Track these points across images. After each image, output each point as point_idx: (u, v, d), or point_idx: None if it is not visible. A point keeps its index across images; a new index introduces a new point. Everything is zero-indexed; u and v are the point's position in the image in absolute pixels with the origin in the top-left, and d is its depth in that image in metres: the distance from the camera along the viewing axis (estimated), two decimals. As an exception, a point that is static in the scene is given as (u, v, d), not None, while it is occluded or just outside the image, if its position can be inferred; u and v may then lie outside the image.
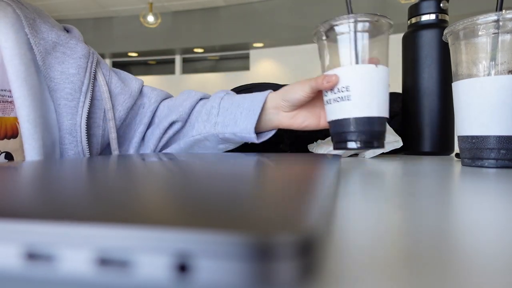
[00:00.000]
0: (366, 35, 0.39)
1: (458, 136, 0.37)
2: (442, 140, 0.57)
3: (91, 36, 4.99)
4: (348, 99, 0.38)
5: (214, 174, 0.19)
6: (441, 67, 0.56)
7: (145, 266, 0.07)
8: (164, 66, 5.29)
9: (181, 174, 0.19)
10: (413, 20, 0.58)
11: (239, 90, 0.63)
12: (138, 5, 4.42)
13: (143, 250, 0.07)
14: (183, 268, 0.07)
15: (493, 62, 0.33)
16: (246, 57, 4.88)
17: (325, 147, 0.54)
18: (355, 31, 0.39)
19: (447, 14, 0.57)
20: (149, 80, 5.27)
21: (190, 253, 0.06)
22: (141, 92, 0.53)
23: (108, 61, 5.37)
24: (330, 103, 0.40)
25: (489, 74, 0.33)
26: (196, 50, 4.96)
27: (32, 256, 0.07)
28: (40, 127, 0.41)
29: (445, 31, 0.37)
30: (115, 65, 5.41)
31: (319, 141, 0.57)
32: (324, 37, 0.41)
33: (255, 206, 0.09)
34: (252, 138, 0.47)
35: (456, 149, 0.48)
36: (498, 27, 0.32)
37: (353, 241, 0.11)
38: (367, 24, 0.39)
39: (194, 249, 0.06)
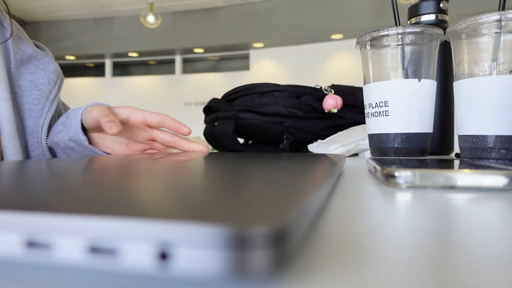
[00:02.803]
0: (409, 48, 0.38)
1: (459, 136, 0.37)
2: (442, 140, 0.56)
3: (91, 36, 4.98)
4: (386, 115, 0.38)
5: (200, 171, 0.20)
6: (441, 67, 0.56)
7: (130, 254, 0.07)
8: (164, 66, 5.29)
9: (168, 171, 0.20)
10: (413, 20, 0.58)
11: (239, 90, 0.63)
12: (138, 5, 4.42)
13: (128, 240, 0.07)
14: (164, 256, 0.07)
15: (495, 62, 0.33)
16: (246, 57, 4.87)
17: (325, 147, 0.54)
18: (398, 44, 0.38)
19: (447, 14, 0.57)
20: (149, 80, 5.27)
21: (170, 242, 0.07)
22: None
23: (108, 61, 5.37)
24: (369, 116, 0.40)
25: (490, 74, 0.33)
26: (196, 50, 4.96)
27: (31, 244, 0.08)
28: (19, 128, 0.46)
29: (447, 30, 0.37)
30: (116, 65, 5.41)
31: (319, 141, 0.57)
32: (368, 47, 0.41)
33: (233, 200, 0.10)
34: (82, 139, 0.45)
35: (456, 149, 0.47)
36: (500, 27, 0.32)
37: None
38: (411, 36, 0.38)
39: (173, 239, 0.07)
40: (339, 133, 0.55)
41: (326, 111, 0.59)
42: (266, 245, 0.07)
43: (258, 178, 0.17)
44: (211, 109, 0.67)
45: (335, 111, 0.59)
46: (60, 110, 0.56)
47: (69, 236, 0.08)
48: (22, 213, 0.08)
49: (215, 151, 0.71)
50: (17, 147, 0.45)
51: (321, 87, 0.62)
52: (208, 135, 0.66)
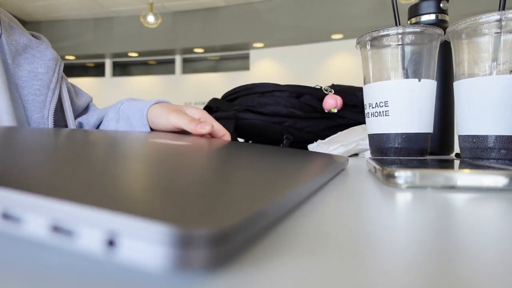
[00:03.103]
0: (409, 48, 0.38)
1: (459, 136, 0.37)
2: (442, 140, 0.56)
3: (91, 36, 4.98)
4: (386, 115, 0.38)
5: (174, 161, 0.20)
6: (441, 67, 0.56)
7: (85, 237, 0.08)
8: (164, 66, 5.29)
9: (144, 159, 0.20)
10: (413, 20, 0.58)
11: (239, 90, 0.63)
12: (138, 5, 4.42)
13: (83, 224, 0.08)
14: (111, 243, 0.08)
15: (495, 62, 0.33)
16: (246, 57, 4.87)
17: (325, 147, 0.54)
18: (398, 44, 0.38)
19: (447, 14, 0.57)
20: (149, 80, 5.27)
21: (117, 232, 0.08)
22: (87, 107, 0.60)
23: (108, 61, 5.37)
24: (369, 116, 0.40)
25: (490, 74, 0.33)
26: (196, 50, 4.96)
27: (7, 216, 0.09)
28: (18, 119, 0.45)
29: (447, 30, 0.37)
30: (116, 65, 5.41)
31: (319, 141, 0.57)
32: (368, 47, 0.41)
33: (185, 198, 0.11)
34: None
35: (456, 149, 0.47)
36: (500, 27, 0.32)
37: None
38: (411, 36, 0.38)
39: (120, 229, 0.08)
40: (339, 133, 0.55)
41: (326, 111, 0.59)
42: (202, 245, 0.07)
43: (228, 175, 0.17)
44: (211, 109, 0.67)
45: (335, 111, 0.59)
46: (69, 89, 0.55)
47: (36, 214, 0.09)
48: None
49: None
50: None
51: (321, 87, 0.62)
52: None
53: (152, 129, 0.48)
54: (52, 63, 0.51)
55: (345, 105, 0.60)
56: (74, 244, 0.08)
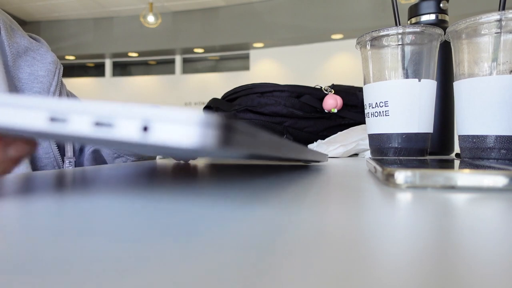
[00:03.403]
0: (409, 48, 0.38)
1: (459, 136, 0.37)
2: (442, 140, 0.56)
3: (91, 36, 4.98)
4: (386, 115, 0.38)
5: None
6: (441, 67, 0.56)
7: (124, 127, 0.11)
8: (164, 66, 5.29)
9: None
10: (413, 20, 0.58)
11: (239, 90, 0.63)
12: (138, 5, 4.42)
13: (122, 117, 0.11)
14: (145, 128, 0.11)
15: (495, 62, 0.33)
16: (246, 57, 4.87)
17: (325, 147, 0.54)
18: (398, 44, 0.38)
19: (447, 14, 0.57)
20: (149, 80, 5.27)
21: (149, 119, 0.11)
22: None
23: (108, 61, 5.37)
24: (369, 116, 0.40)
25: (490, 74, 0.33)
26: (196, 50, 4.96)
27: (54, 119, 0.12)
28: None
29: (447, 30, 0.37)
30: (116, 65, 5.41)
31: (319, 141, 0.57)
32: (368, 47, 0.41)
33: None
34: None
35: (456, 149, 0.47)
36: (500, 27, 0.32)
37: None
38: (411, 36, 0.38)
39: (152, 117, 0.11)
40: (339, 133, 0.55)
41: (326, 111, 0.59)
42: (214, 126, 0.11)
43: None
44: (211, 109, 0.67)
45: (335, 111, 0.59)
46: (68, 95, 0.56)
47: (81, 114, 0.11)
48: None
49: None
50: None
51: (321, 87, 0.62)
52: None
53: None
54: (52, 67, 0.51)
55: (345, 105, 0.60)
56: (115, 133, 0.11)
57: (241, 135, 0.12)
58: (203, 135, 0.10)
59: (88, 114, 0.11)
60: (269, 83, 0.61)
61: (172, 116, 0.11)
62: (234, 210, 0.15)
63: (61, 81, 0.53)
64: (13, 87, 0.47)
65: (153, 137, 0.11)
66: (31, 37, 0.54)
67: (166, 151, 0.13)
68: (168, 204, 0.16)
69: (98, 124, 0.11)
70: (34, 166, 0.48)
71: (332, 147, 0.49)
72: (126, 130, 0.11)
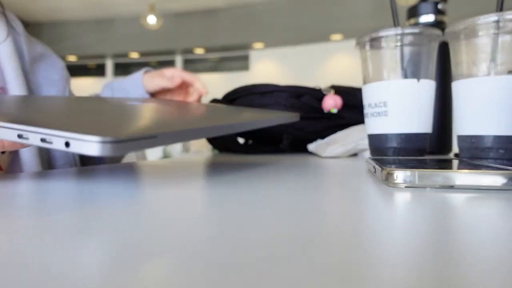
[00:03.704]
0: (408, 48, 0.38)
1: (457, 136, 0.37)
2: (441, 140, 0.57)
3: (92, 37, 4.98)
4: (385, 115, 0.38)
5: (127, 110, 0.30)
6: (440, 67, 0.56)
7: (56, 142, 0.18)
8: (165, 67, 5.24)
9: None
10: (412, 21, 0.59)
11: (240, 90, 0.63)
12: (139, 6, 4.42)
13: (55, 137, 0.18)
14: (67, 144, 0.17)
15: (493, 63, 0.33)
16: (246, 57, 4.87)
17: (325, 147, 0.54)
18: (397, 45, 0.38)
19: (445, 15, 0.57)
20: (149, 81, 5.26)
21: (69, 138, 0.17)
22: None
23: (109, 62, 5.37)
24: (368, 117, 0.40)
25: (488, 74, 0.33)
26: (196, 50, 4.96)
27: (19, 136, 0.20)
28: None
29: (446, 31, 0.38)
30: (117, 66, 5.41)
31: (319, 140, 0.57)
32: (367, 47, 0.41)
33: (102, 125, 0.22)
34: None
35: (455, 149, 0.48)
36: (498, 28, 0.32)
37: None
38: (410, 37, 0.38)
39: (69, 137, 0.17)
40: (338, 132, 0.55)
41: (325, 111, 0.60)
42: (109, 143, 0.17)
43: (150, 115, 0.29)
44: None
45: (335, 111, 0.59)
46: None
47: (34, 133, 0.19)
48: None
49: (216, 151, 0.71)
50: (35, 148, 0.46)
51: (320, 88, 0.62)
52: None
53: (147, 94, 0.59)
54: (65, 72, 0.53)
55: (345, 105, 0.60)
56: (52, 145, 0.18)
57: (122, 143, 0.17)
58: (100, 148, 0.17)
59: (38, 134, 0.18)
60: (269, 84, 0.61)
61: (78, 136, 0.17)
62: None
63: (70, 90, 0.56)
64: (30, 90, 0.48)
65: (73, 149, 0.17)
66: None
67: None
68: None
69: (42, 140, 0.18)
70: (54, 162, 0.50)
71: (331, 147, 0.49)
72: (57, 144, 0.18)
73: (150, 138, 0.19)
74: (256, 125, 0.31)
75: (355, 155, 0.54)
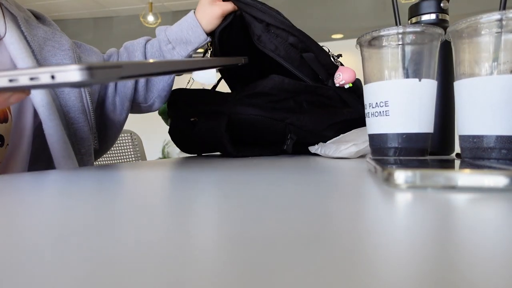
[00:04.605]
0: (410, 47, 0.38)
1: (459, 136, 0.37)
2: (443, 140, 0.56)
3: (91, 35, 4.98)
4: (386, 115, 0.38)
5: None
6: (442, 66, 0.56)
7: (43, 78, 0.22)
8: (164, 66, 5.28)
9: None
10: (414, 20, 0.58)
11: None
12: (138, 4, 4.42)
13: (42, 74, 0.22)
14: (53, 77, 0.22)
15: (496, 62, 0.33)
16: (246, 57, 4.87)
17: (334, 148, 0.53)
18: (398, 44, 0.38)
19: (448, 14, 0.57)
20: (149, 80, 5.26)
21: (54, 72, 0.22)
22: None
23: (108, 61, 5.37)
24: (369, 116, 0.40)
25: (491, 74, 0.33)
26: (196, 49, 4.95)
27: (11, 80, 0.24)
28: (53, 109, 0.47)
29: (448, 30, 0.37)
30: (115, 64, 5.41)
31: (321, 143, 0.56)
32: (368, 46, 0.40)
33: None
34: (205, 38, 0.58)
35: (457, 149, 0.47)
36: (501, 26, 0.32)
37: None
38: (411, 36, 0.38)
39: (55, 71, 0.22)
40: (353, 130, 0.53)
41: (337, 85, 0.51)
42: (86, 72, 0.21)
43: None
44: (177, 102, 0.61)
45: (351, 85, 0.51)
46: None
47: (25, 76, 0.22)
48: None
49: (187, 155, 0.63)
50: (53, 128, 0.46)
51: (329, 51, 0.55)
52: (181, 134, 0.58)
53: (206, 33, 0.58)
54: (72, 53, 0.52)
55: (348, 89, 0.54)
56: (40, 82, 0.22)
57: (102, 70, 0.22)
58: (79, 74, 0.21)
59: (27, 74, 0.22)
60: (285, 20, 0.51)
61: (61, 69, 0.21)
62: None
63: (80, 45, 0.56)
64: None
65: (57, 79, 0.21)
66: (34, 14, 0.54)
67: (66, 85, 0.22)
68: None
69: (31, 79, 0.22)
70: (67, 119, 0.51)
71: (344, 146, 0.47)
72: (44, 79, 0.21)
73: (117, 67, 0.23)
74: (198, 64, 0.38)
75: (362, 156, 0.53)
